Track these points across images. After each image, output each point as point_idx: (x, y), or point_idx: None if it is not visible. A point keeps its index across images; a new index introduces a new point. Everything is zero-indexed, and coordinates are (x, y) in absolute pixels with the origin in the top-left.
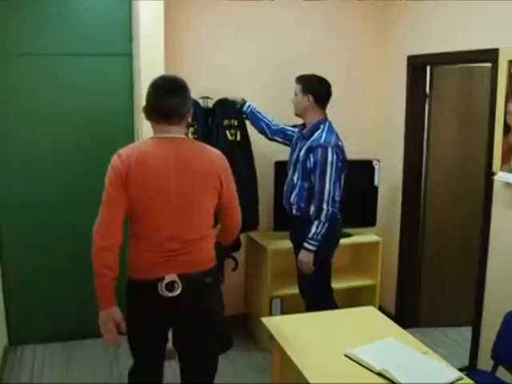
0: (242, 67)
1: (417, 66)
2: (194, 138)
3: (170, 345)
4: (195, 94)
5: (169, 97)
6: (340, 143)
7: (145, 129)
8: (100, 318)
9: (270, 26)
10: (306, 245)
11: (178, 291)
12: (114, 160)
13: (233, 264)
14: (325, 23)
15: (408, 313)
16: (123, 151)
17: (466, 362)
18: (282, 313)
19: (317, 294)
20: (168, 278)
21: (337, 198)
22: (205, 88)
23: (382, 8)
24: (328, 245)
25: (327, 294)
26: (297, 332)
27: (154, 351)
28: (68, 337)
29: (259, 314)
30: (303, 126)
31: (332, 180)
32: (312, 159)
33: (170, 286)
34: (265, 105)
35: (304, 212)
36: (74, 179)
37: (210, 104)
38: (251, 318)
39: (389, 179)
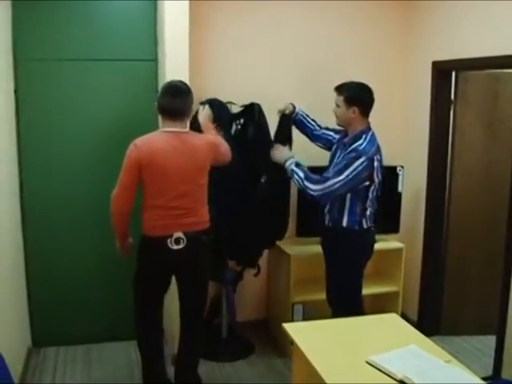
0: (266, 71)
1: (442, 71)
2: None
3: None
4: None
5: (173, 100)
6: (378, 157)
7: None
8: (118, 244)
9: (292, 30)
10: (287, 161)
11: (183, 245)
12: (130, 149)
13: (255, 269)
14: (349, 28)
15: (430, 320)
16: (138, 141)
17: (489, 371)
18: (304, 319)
19: (346, 306)
20: (176, 235)
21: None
22: (228, 92)
23: (407, 13)
24: (359, 255)
25: (358, 306)
26: (318, 338)
27: (155, 295)
28: (90, 339)
29: (281, 320)
30: (345, 133)
31: (343, 181)
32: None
33: (177, 241)
34: None
35: (336, 222)
36: (101, 179)
37: (233, 109)
38: (273, 324)
39: (412, 185)
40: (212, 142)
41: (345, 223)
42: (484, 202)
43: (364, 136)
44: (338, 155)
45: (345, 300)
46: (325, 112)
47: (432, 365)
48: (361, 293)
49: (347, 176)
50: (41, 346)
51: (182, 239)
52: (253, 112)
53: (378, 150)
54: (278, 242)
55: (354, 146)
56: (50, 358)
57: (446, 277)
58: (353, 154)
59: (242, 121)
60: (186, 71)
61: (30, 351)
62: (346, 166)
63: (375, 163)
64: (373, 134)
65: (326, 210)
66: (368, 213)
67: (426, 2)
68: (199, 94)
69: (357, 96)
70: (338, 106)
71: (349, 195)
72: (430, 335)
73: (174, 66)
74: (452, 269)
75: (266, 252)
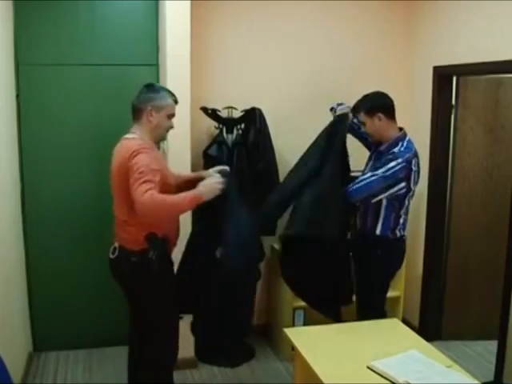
0: (268, 75)
1: (443, 76)
2: None
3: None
4: (219, 104)
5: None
6: (416, 160)
7: (169, 139)
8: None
9: (294, 34)
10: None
11: (115, 255)
12: None
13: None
14: (350, 33)
15: (432, 325)
16: None
17: (490, 377)
18: (305, 324)
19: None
20: (114, 245)
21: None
22: (229, 97)
23: (408, 18)
24: (390, 263)
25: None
26: (319, 343)
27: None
28: (91, 344)
29: (282, 325)
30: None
31: (378, 176)
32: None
33: (113, 251)
34: (290, 115)
35: (370, 230)
36: (101, 182)
37: (234, 114)
38: (274, 328)
39: None
40: (129, 150)
41: (378, 231)
42: (485, 208)
43: (400, 143)
44: (373, 165)
45: (368, 310)
46: (326, 114)
47: (433, 370)
48: (384, 304)
49: (383, 173)
50: (42, 350)
51: (116, 250)
52: (254, 117)
53: (416, 156)
54: (278, 248)
55: (390, 151)
56: (50, 363)
57: (448, 282)
58: (389, 156)
59: (242, 126)
60: (187, 74)
61: (30, 356)
62: (382, 165)
63: (413, 167)
64: (409, 141)
65: (358, 215)
66: (402, 221)
67: (427, 7)
68: (200, 97)
69: (373, 103)
70: (364, 123)
71: (384, 203)
72: (431, 340)
73: (175, 69)
74: (453, 274)
75: (266, 255)
